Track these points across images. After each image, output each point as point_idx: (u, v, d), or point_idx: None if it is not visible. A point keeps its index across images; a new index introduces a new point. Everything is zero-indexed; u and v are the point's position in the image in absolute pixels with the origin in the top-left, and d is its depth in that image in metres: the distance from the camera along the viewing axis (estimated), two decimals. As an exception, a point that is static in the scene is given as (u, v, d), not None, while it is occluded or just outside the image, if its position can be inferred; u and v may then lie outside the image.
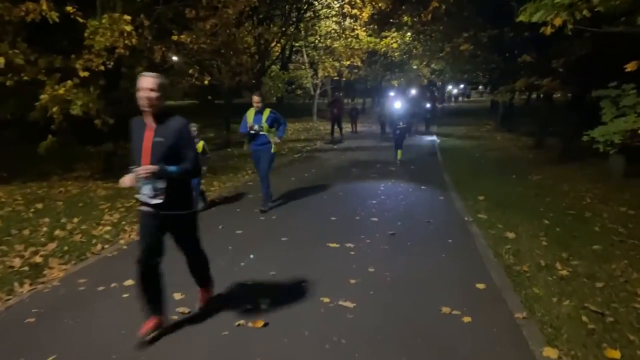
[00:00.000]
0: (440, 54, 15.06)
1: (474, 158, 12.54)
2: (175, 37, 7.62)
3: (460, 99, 57.33)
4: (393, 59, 26.72)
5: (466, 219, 6.24)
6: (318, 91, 26.70)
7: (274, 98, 21.99)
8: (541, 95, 23.10)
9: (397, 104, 11.46)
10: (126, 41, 7.03)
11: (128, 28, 7.05)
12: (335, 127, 17.92)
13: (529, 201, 7.29)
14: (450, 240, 5.28)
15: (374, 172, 10.10)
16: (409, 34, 19.88)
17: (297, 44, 19.40)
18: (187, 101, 41.65)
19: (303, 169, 10.87)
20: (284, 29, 17.32)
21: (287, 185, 8.78)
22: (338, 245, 5.13)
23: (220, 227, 6.01)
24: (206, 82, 8.29)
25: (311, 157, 13.11)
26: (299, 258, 4.79)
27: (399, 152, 11.20)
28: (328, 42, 19.14)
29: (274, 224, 6.14)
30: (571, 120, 11.83)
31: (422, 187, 8.49)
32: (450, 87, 49.34)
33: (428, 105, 20.63)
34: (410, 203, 7.24)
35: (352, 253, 4.90)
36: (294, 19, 18.58)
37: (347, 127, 21.40)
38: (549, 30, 5.59)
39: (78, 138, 14.94)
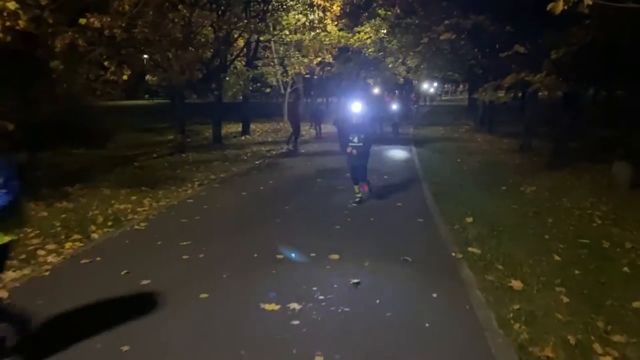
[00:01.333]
0: (417, 49, 13.68)
1: (456, 164, 11.20)
2: (83, 21, 5.95)
3: (439, 98, 56.24)
4: (367, 56, 25.29)
5: (453, 254, 4.77)
6: (289, 90, 25.12)
7: (240, 97, 20.27)
8: (520, 94, 22.15)
9: (354, 108, 7.23)
10: (8, 22, 5.32)
11: (12, 6, 5.34)
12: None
13: (528, 224, 5.89)
14: (435, 295, 3.79)
15: (341, 184, 8.57)
16: (383, 31, 18.43)
17: (262, 38, 17.71)
18: (157, 101, 39.40)
19: (260, 180, 9.28)
20: (246, 20, 15.65)
21: (234, 204, 7.19)
22: (277, 308, 3.58)
23: (123, 272, 4.39)
24: (125, 76, 6.65)
25: (274, 165, 11.53)
26: (214, 334, 3.22)
27: (356, 187, 7.18)
28: (296, 37, 17.56)
29: (198, 268, 4.55)
30: (562, 121, 10.59)
31: (398, 204, 7.03)
32: (426, 86, 47.75)
33: (395, 106, 17.78)
34: (382, 227, 5.76)
35: (296, 323, 3.36)
36: (261, 11, 16.94)
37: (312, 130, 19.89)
38: (560, 5, 4.18)
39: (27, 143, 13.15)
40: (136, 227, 6.01)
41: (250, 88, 19.62)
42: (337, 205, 6.96)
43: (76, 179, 9.07)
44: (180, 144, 14.17)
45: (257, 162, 11.85)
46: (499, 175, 9.44)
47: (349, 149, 6.94)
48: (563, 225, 5.83)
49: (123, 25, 5.88)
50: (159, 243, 5.32)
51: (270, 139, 18.11)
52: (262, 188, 8.42)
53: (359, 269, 4.38)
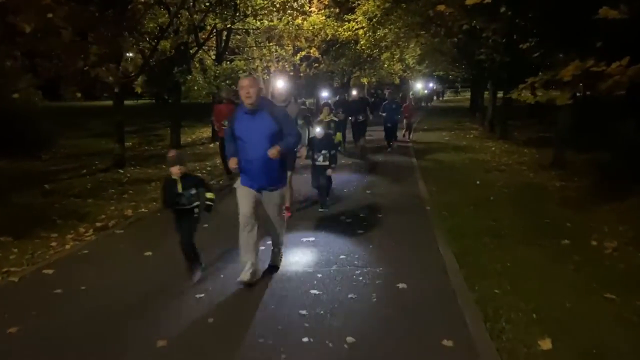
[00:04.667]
0: (422, 32, 10.62)
1: (475, 189, 8.16)
2: None
3: (438, 98, 52.85)
4: (360, 51, 22.17)
5: None
6: (271, 89, 22.04)
7: (211, 99, 17.16)
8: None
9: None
10: None
11: None
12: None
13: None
14: None
15: (314, 233, 5.54)
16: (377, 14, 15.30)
17: (235, 27, 14.61)
18: (142, 101, 35.87)
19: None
20: (208, 3, 12.58)
21: (106, 288, 4.03)
22: None
23: None
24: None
25: (227, 189, 8.46)
26: None
27: None
28: (274, 22, 14.47)
29: None
30: (623, 128, 7.60)
31: (400, 287, 3.97)
32: (420, 86, 43.83)
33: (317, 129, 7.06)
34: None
35: None
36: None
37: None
38: None
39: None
40: None
41: (223, 86, 16.53)
42: (296, 286, 3.91)
43: None
44: (118, 156, 11.05)
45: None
46: (545, 212, 6.43)
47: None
48: None
49: None
50: None
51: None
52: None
53: None
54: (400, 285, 3.97)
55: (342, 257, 4.70)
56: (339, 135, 7.67)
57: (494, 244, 5.08)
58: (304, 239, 5.26)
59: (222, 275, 4.26)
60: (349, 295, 3.79)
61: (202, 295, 3.83)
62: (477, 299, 3.72)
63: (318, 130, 6.51)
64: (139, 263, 4.67)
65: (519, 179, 9.07)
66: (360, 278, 4.15)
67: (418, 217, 6.25)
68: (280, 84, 5.75)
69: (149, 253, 4.88)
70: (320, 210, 6.54)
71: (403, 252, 4.87)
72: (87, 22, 7.09)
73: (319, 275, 4.20)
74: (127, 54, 12.97)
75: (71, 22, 6.53)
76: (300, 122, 5.87)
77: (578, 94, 5.65)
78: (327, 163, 6.46)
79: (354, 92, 12.65)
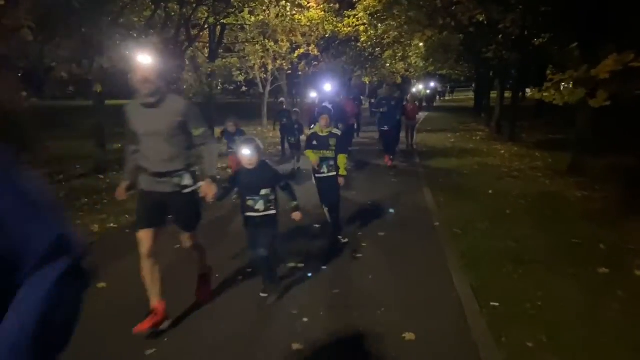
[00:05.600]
0: (428, 26, 9.77)
1: (489, 199, 7.32)
2: None
3: (439, 97, 51.94)
4: (362, 48, 21.35)
5: None
6: (269, 88, 21.28)
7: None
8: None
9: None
10: None
11: None
12: None
13: None
14: None
15: (300, 258, 4.70)
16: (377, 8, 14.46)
17: (227, 21, 13.80)
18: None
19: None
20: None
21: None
22: None
23: None
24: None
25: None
26: None
27: None
28: (272, 16, 13.65)
29: None
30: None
31: (405, 338, 3.13)
32: (421, 86, 42.58)
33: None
34: None
35: None
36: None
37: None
38: None
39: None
40: None
41: (219, 87, 15.74)
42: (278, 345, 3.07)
43: None
44: (99, 161, 10.25)
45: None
46: (571, 229, 5.57)
47: None
48: None
49: None
50: None
51: (236, 150, 14.20)
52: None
53: None
54: (407, 336, 3.13)
55: (334, 292, 3.86)
56: (342, 160, 4.94)
57: (519, 273, 4.24)
58: (289, 265, 4.42)
59: (180, 325, 3.43)
60: (341, 351, 2.95)
61: (154, 350, 3.00)
62: (506, 359, 2.88)
63: (246, 153, 3.40)
64: (89, 297, 3.84)
65: (535, 188, 8.21)
66: (356, 324, 3.31)
67: (426, 236, 5.39)
68: (144, 60, 2.87)
69: (102, 285, 4.05)
70: (264, 295, 3.75)
71: (409, 285, 4.03)
72: (52, 13, 6.25)
73: (305, 320, 3.36)
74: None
75: (31, 13, 5.74)
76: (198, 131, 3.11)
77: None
78: (273, 212, 3.57)
79: (327, 90, 9.16)
